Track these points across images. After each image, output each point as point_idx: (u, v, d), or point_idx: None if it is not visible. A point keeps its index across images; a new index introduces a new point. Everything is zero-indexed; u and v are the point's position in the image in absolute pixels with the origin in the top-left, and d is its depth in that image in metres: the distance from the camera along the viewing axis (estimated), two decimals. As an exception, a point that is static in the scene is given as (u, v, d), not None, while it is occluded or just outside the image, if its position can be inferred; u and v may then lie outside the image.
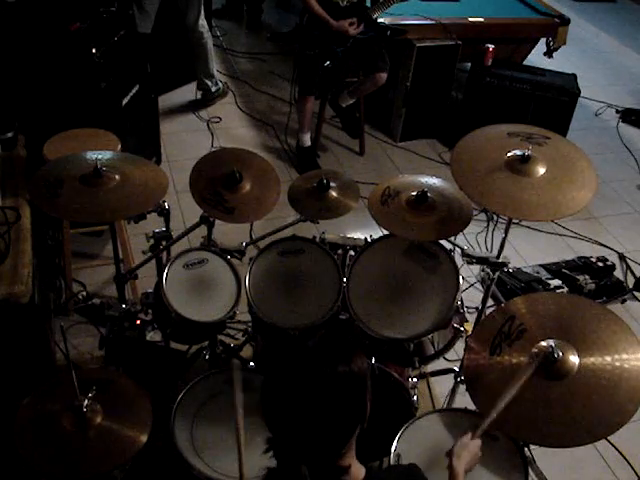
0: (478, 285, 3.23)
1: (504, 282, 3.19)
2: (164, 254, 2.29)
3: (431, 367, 2.43)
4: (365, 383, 1.23)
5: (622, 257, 3.58)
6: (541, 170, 1.90)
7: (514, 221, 2.16)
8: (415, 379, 2.15)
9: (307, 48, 3.66)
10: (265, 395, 1.25)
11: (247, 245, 2.28)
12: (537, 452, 2.07)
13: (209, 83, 4.41)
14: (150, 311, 2.25)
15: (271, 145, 4.19)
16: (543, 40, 4.41)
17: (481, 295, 2.34)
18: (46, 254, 2.81)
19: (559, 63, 4.51)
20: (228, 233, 2.50)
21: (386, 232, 2.14)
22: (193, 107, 4.45)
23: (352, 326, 2.07)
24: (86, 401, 1.64)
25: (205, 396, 1.93)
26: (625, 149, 4.59)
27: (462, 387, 2.23)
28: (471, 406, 1.70)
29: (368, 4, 3.79)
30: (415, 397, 2.04)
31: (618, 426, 1.47)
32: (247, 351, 2.49)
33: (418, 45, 3.94)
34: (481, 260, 2.17)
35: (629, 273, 3.48)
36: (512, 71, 4.13)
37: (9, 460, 1.82)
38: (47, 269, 2.79)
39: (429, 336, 2.04)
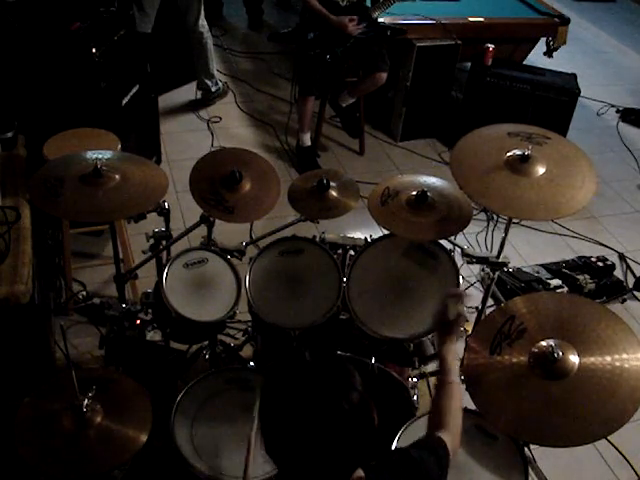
0: (478, 285, 3.23)
1: (504, 282, 3.19)
2: (164, 254, 2.29)
3: (431, 367, 2.42)
4: (369, 399, 1.19)
5: (622, 257, 3.58)
6: (541, 170, 1.90)
7: (514, 221, 2.17)
8: (415, 379, 2.15)
9: (307, 48, 3.66)
10: (270, 433, 1.18)
11: (247, 245, 2.28)
12: (537, 452, 2.07)
13: (209, 83, 4.41)
14: (150, 311, 2.25)
15: (271, 145, 4.19)
16: (543, 40, 4.41)
17: (481, 295, 2.34)
18: (46, 254, 2.81)
19: (559, 63, 4.51)
20: (228, 233, 2.50)
21: (386, 232, 2.14)
22: (193, 107, 4.44)
23: (352, 326, 2.07)
24: (86, 401, 1.64)
25: (205, 396, 1.93)
26: (625, 149, 4.59)
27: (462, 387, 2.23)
28: (471, 406, 1.70)
29: (368, 4, 3.79)
30: (415, 397, 2.05)
31: (618, 426, 1.47)
32: (247, 351, 2.49)
33: (418, 45, 3.94)
34: (481, 260, 2.18)
35: (629, 273, 3.48)
36: (512, 71, 4.13)
37: (9, 460, 1.82)
38: (47, 269, 2.80)
39: (429, 336, 2.04)
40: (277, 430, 1.18)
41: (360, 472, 1.23)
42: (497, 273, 2.18)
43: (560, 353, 1.55)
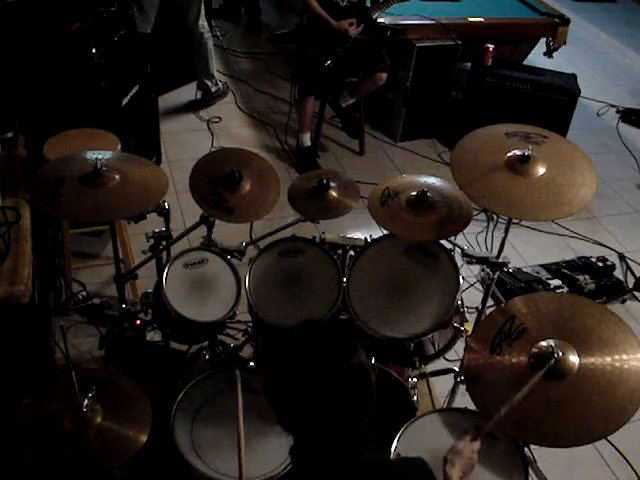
0: (478, 285, 3.23)
1: (504, 282, 3.19)
2: (164, 254, 2.29)
3: (431, 367, 2.43)
4: (369, 366, 1.25)
5: (622, 257, 3.58)
6: (541, 170, 1.90)
7: (514, 221, 2.16)
8: (415, 379, 2.15)
9: (307, 48, 3.66)
10: (277, 398, 1.25)
11: (247, 245, 2.28)
12: (537, 452, 2.07)
13: (209, 83, 4.41)
14: (150, 311, 2.25)
15: (271, 145, 4.19)
16: (543, 40, 4.42)
17: (481, 295, 2.34)
18: (46, 254, 2.81)
19: (559, 63, 4.51)
20: (228, 233, 2.50)
21: (386, 232, 2.14)
22: (193, 107, 4.45)
23: (352, 326, 2.07)
24: (86, 401, 1.64)
25: (205, 396, 1.94)
26: (625, 149, 4.59)
27: (462, 387, 2.23)
28: (471, 406, 1.70)
29: (368, 4, 3.79)
30: (415, 397, 2.05)
31: (618, 426, 1.47)
32: (247, 351, 2.49)
33: (418, 45, 3.95)
34: (481, 260, 2.17)
35: (629, 273, 3.48)
36: (512, 71, 4.13)
37: (9, 460, 1.82)
38: (47, 269, 2.79)
39: (429, 336, 2.04)
40: (279, 389, 1.25)
41: None
42: (497, 273, 2.18)
43: (560, 353, 1.55)
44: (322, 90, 3.88)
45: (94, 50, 2.75)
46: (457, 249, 2.19)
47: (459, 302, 2.12)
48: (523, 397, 1.55)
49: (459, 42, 4.01)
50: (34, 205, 2.18)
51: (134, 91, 3.16)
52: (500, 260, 2.15)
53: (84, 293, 2.93)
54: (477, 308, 2.36)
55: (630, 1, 7.39)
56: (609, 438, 2.46)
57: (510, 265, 2.51)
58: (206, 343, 2.34)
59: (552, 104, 4.05)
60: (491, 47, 4.06)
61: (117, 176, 1.97)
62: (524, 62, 4.53)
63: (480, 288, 3.20)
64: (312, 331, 1.27)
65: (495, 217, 3.61)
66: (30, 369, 2.15)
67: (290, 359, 1.24)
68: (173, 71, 4.46)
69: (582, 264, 3.36)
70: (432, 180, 2.16)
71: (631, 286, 3.35)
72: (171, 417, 1.85)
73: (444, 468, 1.51)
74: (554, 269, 3.31)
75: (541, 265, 3.35)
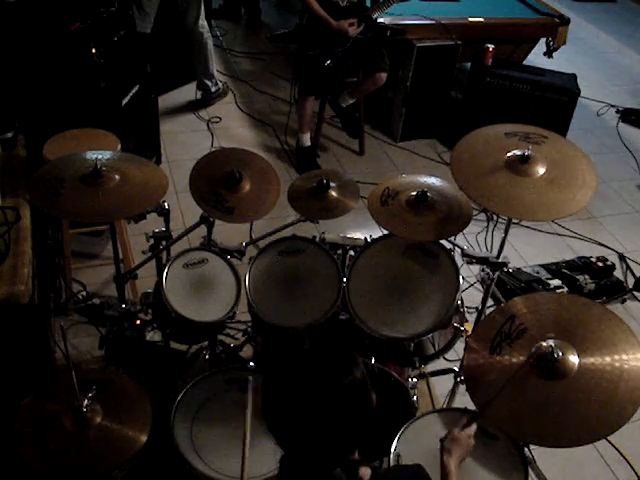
0: (478, 285, 3.23)
1: (504, 282, 3.19)
2: (164, 254, 2.29)
3: (431, 367, 2.43)
4: (368, 381, 1.23)
5: (622, 257, 3.58)
6: (541, 170, 1.90)
7: (514, 221, 2.17)
8: (415, 379, 2.15)
9: (307, 48, 3.66)
10: (270, 411, 1.24)
11: (247, 245, 2.28)
12: (537, 452, 2.07)
13: (209, 83, 4.41)
14: (150, 311, 2.25)
15: (271, 145, 4.19)
16: (543, 40, 4.42)
17: (481, 295, 2.34)
18: (46, 254, 2.81)
19: (559, 63, 4.51)
20: (228, 233, 2.50)
21: (386, 232, 2.14)
22: (193, 107, 4.45)
23: (352, 326, 2.07)
24: (86, 401, 1.64)
25: (205, 396, 1.94)
26: (625, 149, 4.59)
27: (462, 387, 2.23)
28: (471, 406, 1.70)
29: (368, 4, 3.79)
30: (415, 397, 2.04)
31: (618, 426, 1.47)
32: (247, 351, 2.49)
33: (418, 45, 3.95)
34: (481, 260, 2.17)
35: (629, 273, 3.48)
36: (512, 71, 4.13)
37: (9, 460, 1.82)
38: (47, 269, 2.79)
39: (429, 336, 2.04)
40: (276, 403, 1.23)
41: (367, 468, 1.25)
42: (497, 273, 2.18)
43: (560, 353, 1.55)
44: (322, 90, 3.88)
45: (94, 50, 2.75)
46: (457, 249, 2.19)
47: (459, 302, 2.12)
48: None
49: (459, 42, 4.01)
50: (34, 205, 2.18)
51: (134, 91, 3.16)
52: (500, 260, 2.15)
53: (84, 293, 2.93)
54: (477, 308, 2.36)
55: (630, 1, 7.39)
56: (609, 438, 2.46)
57: (510, 265, 2.51)
58: (206, 343, 2.34)
59: (552, 104, 4.05)
60: (491, 47, 4.06)
61: (117, 176, 1.97)
62: (524, 62, 4.53)
63: (480, 288, 3.20)
64: (311, 346, 1.27)
65: (495, 217, 3.61)
66: (30, 369, 2.15)
67: (282, 371, 1.23)
68: (173, 71, 4.46)
69: (582, 264, 3.36)
70: (432, 180, 2.16)
71: (631, 286, 3.35)
72: (171, 417, 1.85)
73: (441, 457, 1.51)
74: (554, 269, 3.31)
75: (541, 265, 3.35)
